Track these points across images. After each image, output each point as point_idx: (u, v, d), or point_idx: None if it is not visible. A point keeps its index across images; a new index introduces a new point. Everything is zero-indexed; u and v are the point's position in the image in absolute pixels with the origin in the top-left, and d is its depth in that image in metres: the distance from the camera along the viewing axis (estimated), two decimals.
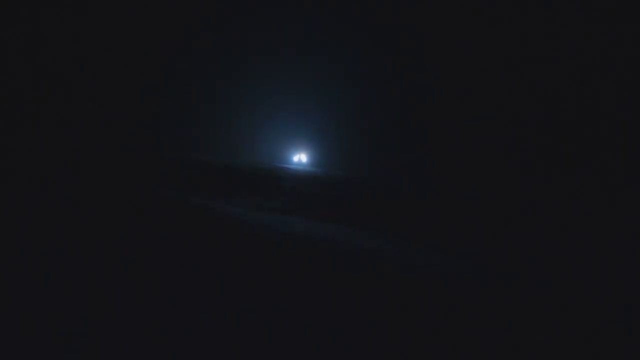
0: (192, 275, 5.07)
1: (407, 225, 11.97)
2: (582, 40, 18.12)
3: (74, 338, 3.46)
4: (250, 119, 21.80)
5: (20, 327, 3.49)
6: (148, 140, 18.18)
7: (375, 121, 22.37)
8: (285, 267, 6.07)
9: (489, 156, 19.59)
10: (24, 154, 11.45)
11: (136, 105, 18.51)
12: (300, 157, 23.42)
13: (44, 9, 15.14)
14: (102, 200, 8.29)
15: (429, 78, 21.17)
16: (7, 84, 14.09)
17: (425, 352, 4.16)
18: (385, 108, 22.28)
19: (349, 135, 22.55)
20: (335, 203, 13.87)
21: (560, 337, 5.05)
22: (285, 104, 22.26)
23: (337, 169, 20.91)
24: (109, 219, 6.90)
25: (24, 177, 9.01)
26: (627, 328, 5.70)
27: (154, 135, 19.02)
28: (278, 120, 22.38)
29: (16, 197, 7.34)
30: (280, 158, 22.63)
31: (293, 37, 21.52)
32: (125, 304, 4.09)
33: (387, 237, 10.24)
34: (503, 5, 19.39)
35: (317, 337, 4.08)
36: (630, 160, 16.57)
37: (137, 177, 12.59)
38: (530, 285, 7.52)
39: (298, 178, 16.91)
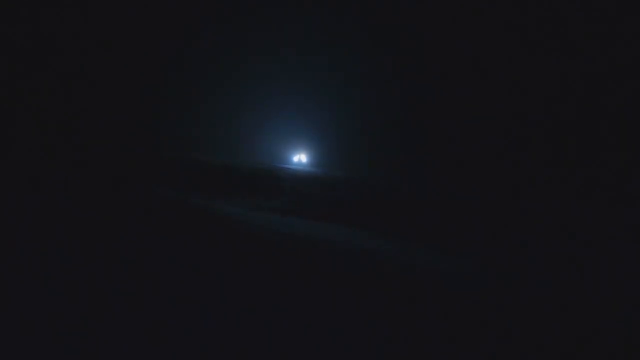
0: (192, 275, 5.06)
1: (407, 225, 11.97)
2: (582, 40, 18.12)
3: (74, 338, 3.46)
4: (250, 119, 21.79)
5: (20, 327, 3.49)
6: (148, 140, 18.17)
7: (375, 121, 22.36)
8: (285, 267, 6.07)
9: (489, 156, 19.59)
10: (24, 154, 11.45)
11: (136, 105, 18.51)
12: (300, 158, 23.40)
13: (44, 9, 15.13)
14: (102, 200, 8.29)
15: (429, 78, 21.17)
16: (7, 84, 14.09)
17: (425, 352, 4.16)
18: (385, 108, 22.27)
19: (349, 136, 22.54)
20: (335, 203, 13.87)
21: (560, 337, 5.05)
22: (285, 104, 22.25)
23: (337, 169, 20.91)
24: (109, 219, 6.90)
25: (24, 177, 9.01)
26: (627, 328, 5.70)
27: (154, 135, 19.01)
28: (278, 121, 22.38)
29: (16, 197, 7.34)
30: (280, 158, 22.62)
31: (293, 37, 21.51)
32: (125, 304, 4.09)
33: (387, 237, 10.24)
34: (503, 5, 19.39)
35: (317, 337, 4.08)
36: (630, 160, 16.57)
37: (137, 177, 12.59)
38: (530, 285, 7.52)
39: (298, 178, 16.91)
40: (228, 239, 7.14)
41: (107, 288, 4.36)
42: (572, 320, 5.78)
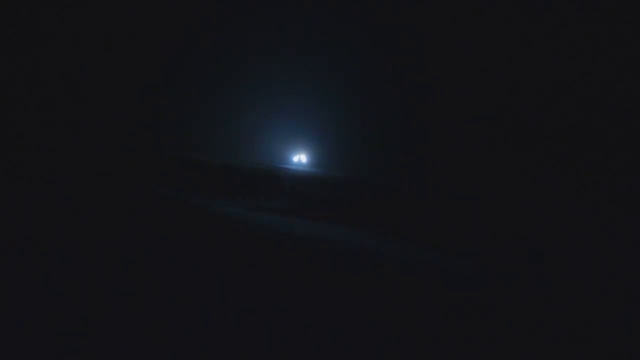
0: (192, 275, 5.06)
1: (407, 225, 11.97)
2: (582, 40, 18.12)
3: (74, 338, 3.45)
4: (250, 120, 21.79)
5: (20, 327, 3.49)
6: (148, 140, 18.17)
7: (375, 122, 22.37)
8: (285, 267, 6.07)
9: (489, 156, 19.59)
10: (24, 154, 11.45)
11: (136, 105, 18.51)
12: (300, 158, 23.40)
13: (44, 9, 15.13)
14: (102, 200, 8.29)
15: (429, 78, 21.17)
16: (7, 84, 14.09)
17: (425, 352, 4.16)
18: (385, 108, 22.27)
19: (349, 136, 22.54)
20: (335, 203, 13.87)
21: (560, 337, 5.05)
22: (285, 104, 22.25)
23: (336, 170, 20.91)
24: (109, 219, 6.89)
25: (24, 177, 9.01)
26: (627, 328, 5.70)
27: (154, 135, 19.01)
28: (278, 121, 22.38)
29: (16, 197, 7.34)
30: (280, 158, 22.62)
31: (293, 37, 21.51)
32: (125, 304, 4.09)
33: (387, 237, 10.24)
34: (503, 5, 19.39)
35: (317, 337, 4.08)
36: (630, 161, 16.57)
37: (137, 177, 12.59)
38: (530, 285, 7.52)
39: (298, 179, 16.91)
40: (228, 239, 7.14)
41: (107, 288, 4.36)
42: (572, 320, 5.78)
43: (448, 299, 5.90)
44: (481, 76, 20.21)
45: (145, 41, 18.65)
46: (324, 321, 4.42)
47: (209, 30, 20.45)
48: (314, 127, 22.86)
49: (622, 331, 5.54)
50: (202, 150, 19.38)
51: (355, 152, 22.26)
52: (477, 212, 14.38)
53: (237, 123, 21.58)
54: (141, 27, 18.25)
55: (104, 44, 17.02)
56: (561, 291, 7.31)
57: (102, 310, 3.90)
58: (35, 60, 14.85)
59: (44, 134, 13.45)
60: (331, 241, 8.42)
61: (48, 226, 5.99)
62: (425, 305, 5.48)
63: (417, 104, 21.62)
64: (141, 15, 18.19)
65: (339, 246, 8.06)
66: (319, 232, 9.30)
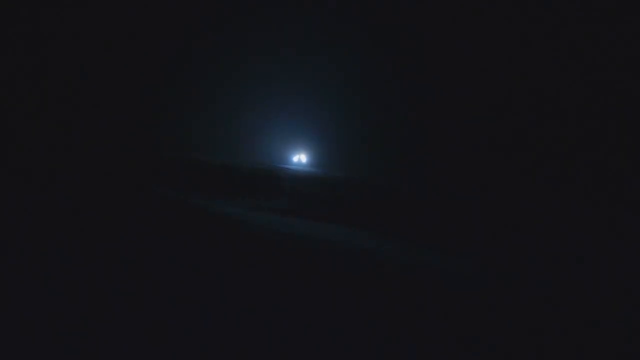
0: (192, 275, 5.06)
1: (407, 225, 11.98)
2: (582, 39, 18.12)
3: (74, 338, 3.45)
4: (250, 119, 21.79)
5: (20, 327, 3.49)
6: (148, 140, 18.18)
7: (375, 121, 22.37)
8: (285, 267, 6.07)
9: (489, 156, 19.59)
10: (24, 154, 11.46)
11: (136, 105, 18.51)
12: (300, 158, 23.41)
13: (44, 9, 15.13)
14: (102, 200, 8.29)
15: (429, 78, 21.17)
16: (7, 84, 14.09)
17: (425, 352, 4.16)
18: (385, 108, 22.27)
19: (349, 136, 22.54)
20: (335, 203, 13.88)
21: (560, 337, 5.05)
22: (285, 104, 22.25)
23: (336, 170, 20.91)
24: (109, 218, 6.90)
25: (24, 177, 9.01)
26: (627, 328, 5.70)
27: (154, 135, 19.01)
28: (278, 121, 22.38)
29: (16, 197, 7.34)
30: (280, 158, 22.63)
31: (293, 37, 21.52)
32: (125, 304, 4.09)
33: (387, 237, 10.25)
34: (503, 5, 19.39)
35: (317, 337, 4.08)
36: (630, 161, 16.57)
37: (137, 177, 12.59)
38: (530, 285, 7.52)
39: (298, 179, 16.92)
40: (228, 239, 7.14)
41: (107, 288, 4.36)
42: (572, 320, 5.78)
43: (448, 299, 5.90)
44: (481, 76, 20.21)
45: (145, 41, 18.65)
46: (324, 321, 4.42)
47: (209, 30, 20.45)
48: (314, 127, 22.86)
49: (622, 331, 5.54)
50: (202, 150, 19.38)
51: (355, 152, 22.26)
52: (477, 212, 14.38)
53: (237, 123, 21.58)
54: (141, 27, 18.25)
55: (104, 44, 17.02)
56: (561, 291, 7.32)
57: (102, 310, 3.90)
58: (35, 60, 14.85)
59: (44, 134, 13.46)
60: (331, 241, 8.42)
61: (48, 226, 5.99)
62: (425, 305, 5.48)
63: (417, 104, 21.62)
64: (141, 15, 18.19)
65: (339, 246, 8.06)
66: (319, 232, 9.30)
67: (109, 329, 3.63)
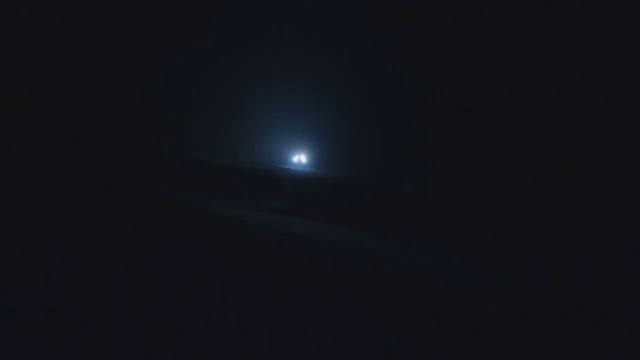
0: (192, 275, 5.06)
1: (407, 225, 11.98)
2: (582, 39, 18.12)
3: (74, 338, 3.45)
4: (250, 120, 21.79)
5: (20, 327, 3.49)
6: (148, 140, 18.18)
7: (375, 122, 22.37)
8: (285, 267, 6.07)
9: (489, 157, 19.59)
10: (24, 154, 11.45)
11: (136, 105, 18.51)
12: (300, 158, 23.40)
13: (44, 9, 15.14)
14: (102, 200, 8.29)
15: (429, 78, 21.17)
16: (8, 83, 14.09)
17: (425, 352, 4.16)
18: (385, 108, 22.27)
19: (349, 136, 22.54)
20: (335, 204, 13.88)
21: (561, 337, 5.05)
22: (285, 104, 22.25)
23: (336, 170, 20.91)
24: (109, 218, 6.90)
25: (24, 177, 9.01)
26: (627, 328, 5.70)
27: (154, 135, 19.01)
28: (278, 121, 22.38)
29: (16, 197, 7.34)
30: (280, 159, 22.62)
31: (293, 37, 21.52)
32: (125, 304, 4.09)
33: (387, 237, 10.24)
34: (503, 5, 19.38)
35: (317, 337, 4.08)
36: (630, 161, 16.57)
37: (137, 177, 12.59)
38: (530, 285, 7.52)
39: (298, 179, 16.92)
40: (228, 239, 7.14)
41: (107, 288, 4.36)
42: (572, 320, 5.78)
43: (448, 299, 5.90)
44: (481, 76, 20.21)
45: (145, 41, 18.65)
46: (324, 321, 4.42)
47: (209, 30, 20.45)
48: (313, 127, 22.85)
49: (622, 331, 5.54)
50: (202, 150, 19.38)
51: (355, 152, 22.26)
52: (477, 212, 14.38)
53: (237, 123, 21.58)
54: (141, 27, 18.25)
55: (104, 44, 17.02)
56: (561, 291, 7.31)
57: (102, 310, 3.90)
58: (35, 61, 14.85)
59: (44, 134, 13.45)
60: (331, 241, 8.42)
61: (48, 226, 5.99)
62: (425, 305, 5.48)
63: (417, 104, 21.62)
64: (141, 15, 18.20)
65: (339, 246, 8.06)
66: (319, 232, 9.30)
67: (109, 329, 3.63)
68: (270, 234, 8.14)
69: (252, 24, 21.08)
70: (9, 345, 3.27)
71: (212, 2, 20.26)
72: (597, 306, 6.61)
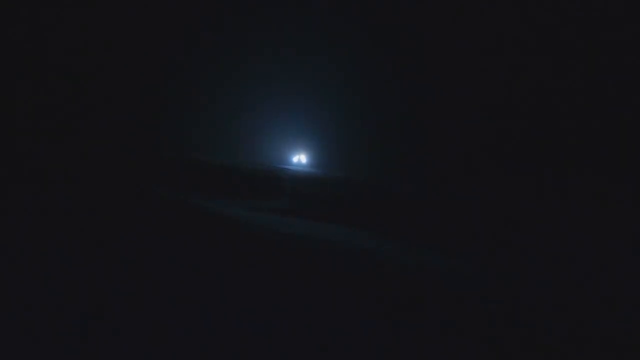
0: (192, 275, 5.06)
1: (407, 225, 11.98)
2: (582, 39, 18.12)
3: (74, 338, 3.45)
4: (250, 120, 21.80)
5: (20, 327, 3.49)
6: (148, 140, 18.18)
7: (375, 122, 22.37)
8: (285, 267, 6.07)
9: (489, 157, 19.59)
10: (24, 154, 11.46)
11: (136, 105, 18.52)
12: (300, 158, 23.41)
13: (44, 9, 15.14)
14: (102, 200, 8.29)
15: (429, 79, 21.18)
16: (8, 84, 14.10)
17: (426, 352, 4.16)
18: (385, 109, 22.28)
19: (349, 136, 22.55)
20: (335, 204, 13.88)
21: (561, 337, 5.05)
22: (285, 104, 22.26)
23: (336, 170, 20.92)
24: (109, 219, 6.89)
25: (24, 177, 9.01)
26: (627, 328, 5.70)
27: (154, 135, 19.02)
28: (278, 121, 22.39)
29: (16, 197, 7.34)
30: (280, 159, 22.63)
31: (293, 37, 21.53)
32: (125, 304, 4.09)
33: (387, 237, 10.25)
34: (503, 5, 19.39)
35: (317, 337, 4.08)
36: (630, 161, 16.57)
37: (137, 177, 12.59)
38: (530, 285, 7.52)
39: (298, 179, 16.92)
40: (228, 239, 7.14)
41: (107, 288, 4.36)
42: (572, 320, 5.78)
43: (448, 299, 5.90)
44: (481, 77, 20.22)
45: (145, 42, 18.66)
46: (324, 321, 4.42)
47: (209, 30, 20.46)
48: (313, 128, 22.87)
49: (622, 331, 5.54)
50: (202, 150, 19.39)
51: (355, 153, 22.27)
52: (477, 212, 14.39)
53: (237, 123, 21.59)
54: (141, 27, 18.26)
55: (104, 44, 17.03)
56: (561, 291, 7.32)
57: (102, 311, 3.90)
58: (35, 60, 14.85)
59: (44, 134, 13.46)
60: (331, 241, 8.42)
61: (48, 226, 5.99)
62: (425, 305, 5.48)
63: (417, 104, 21.63)
64: (141, 16, 18.20)
65: (339, 246, 8.06)
66: (319, 232, 9.30)
67: (109, 329, 3.63)
68: (270, 234, 8.14)
69: (252, 24, 21.10)
70: (9, 345, 3.27)
71: (213, 3, 20.28)
72: (597, 306, 6.61)
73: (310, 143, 23.19)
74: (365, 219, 12.13)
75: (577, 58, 18.27)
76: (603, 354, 4.81)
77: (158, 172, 13.89)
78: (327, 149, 22.87)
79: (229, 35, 20.87)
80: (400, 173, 20.38)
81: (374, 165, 21.37)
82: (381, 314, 4.88)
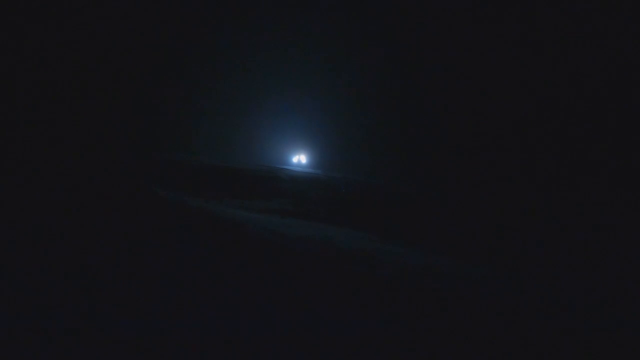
0: (192, 276, 5.06)
1: (407, 225, 11.98)
2: (580, 40, 18.14)
3: (73, 338, 3.45)
4: (250, 121, 21.81)
5: (20, 327, 3.49)
6: (148, 140, 18.19)
7: (375, 123, 22.39)
8: (285, 267, 6.07)
9: (489, 157, 19.60)
10: (23, 154, 11.45)
11: (136, 105, 18.52)
12: (300, 159, 23.42)
13: (43, 9, 15.14)
14: (101, 200, 8.29)
15: (430, 80, 21.19)
16: (7, 83, 14.09)
17: (426, 352, 4.16)
18: (385, 110, 22.29)
19: (349, 137, 22.57)
20: (335, 204, 13.88)
21: (561, 337, 5.05)
22: (285, 105, 22.27)
23: (336, 171, 20.93)
24: (109, 219, 6.89)
25: (22, 177, 9.01)
26: (627, 328, 5.70)
27: (154, 135, 19.03)
28: (278, 121, 22.40)
29: (15, 197, 7.34)
30: (280, 159, 22.64)
31: (293, 37, 21.55)
32: (124, 304, 4.08)
33: (387, 238, 10.25)
34: (503, 5, 19.41)
35: (317, 337, 4.08)
36: (630, 161, 16.58)
37: (137, 177, 12.58)
38: (530, 286, 7.51)
39: (298, 179, 16.92)
40: (228, 239, 7.14)
41: (107, 288, 4.35)
42: (572, 320, 5.78)
43: (448, 299, 5.90)
44: (482, 78, 20.23)
45: (145, 42, 18.67)
46: (323, 321, 4.42)
47: (209, 30, 20.49)
48: (313, 128, 22.89)
49: (622, 331, 5.54)
50: (202, 151, 19.40)
51: (354, 153, 22.29)
52: (477, 212, 14.39)
53: (237, 124, 21.61)
54: (141, 27, 18.26)
55: (103, 44, 17.03)
56: (561, 291, 7.31)
57: (101, 311, 3.90)
58: (34, 60, 14.85)
59: (44, 134, 13.45)
60: (331, 241, 8.42)
61: (47, 226, 5.99)
62: (424, 305, 5.48)
63: (417, 105, 21.65)
64: (141, 15, 18.21)
65: (339, 246, 8.06)
66: (319, 232, 9.30)
67: (109, 329, 3.62)
68: (270, 234, 8.14)
69: (253, 24, 21.12)
70: (9, 345, 3.27)
71: (212, 3, 20.31)
72: (597, 306, 6.61)
73: (310, 144, 23.21)
74: (366, 219, 12.13)
75: (576, 58, 18.28)
76: (603, 354, 4.80)
77: (158, 172, 13.90)
78: (327, 149, 22.88)
79: (229, 37, 20.90)
80: (400, 174, 20.39)
81: (374, 166, 21.39)
82: (381, 314, 4.88)
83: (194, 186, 13.18)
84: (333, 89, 22.18)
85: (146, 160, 15.08)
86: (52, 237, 5.55)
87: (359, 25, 21.45)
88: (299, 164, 22.91)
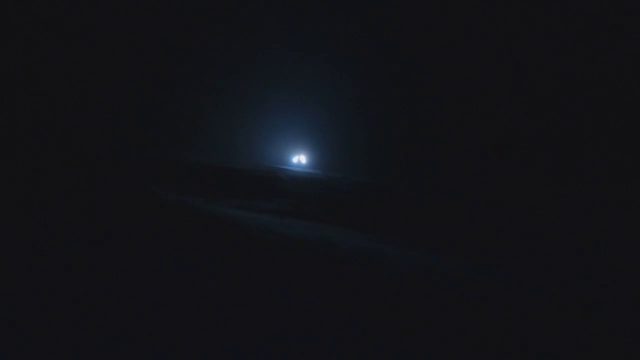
0: (191, 276, 5.06)
1: (407, 226, 11.98)
2: (580, 41, 18.14)
3: (72, 338, 3.45)
4: (250, 121, 21.81)
5: (20, 327, 3.49)
6: (148, 140, 18.19)
7: (375, 123, 22.39)
8: (285, 267, 6.07)
9: (489, 157, 19.60)
10: (22, 154, 11.44)
11: (136, 105, 18.53)
12: (300, 159, 23.43)
13: (43, 8, 15.14)
14: (101, 200, 8.28)
15: (430, 80, 21.20)
16: (6, 83, 14.08)
17: (425, 352, 4.16)
18: (385, 110, 22.29)
19: (348, 137, 22.57)
20: (335, 204, 13.88)
21: (561, 337, 5.04)
22: (285, 105, 22.28)
23: (336, 171, 20.93)
24: (108, 219, 6.89)
25: (23, 177, 9.00)
26: (627, 328, 5.70)
27: (154, 135, 19.03)
28: (277, 121, 22.41)
29: (14, 197, 7.34)
30: (280, 159, 22.65)
31: (293, 37, 21.55)
32: (124, 304, 4.08)
33: (387, 238, 10.24)
34: (503, 5, 19.42)
35: (317, 337, 4.08)
36: (630, 161, 16.58)
37: (137, 177, 12.58)
38: (530, 285, 7.52)
39: (297, 179, 16.92)
40: (227, 239, 7.13)
41: (107, 288, 4.35)
42: (572, 320, 5.78)
43: (448, 299, 5.90)
44: (482, 78, 20.23)
45: (145, 42, 18.67)
46: (323, 321, 4.42)
47: (209, 30, 20.49)
48: (313, 128, 22.89)
49: (622, 331, 5.53)
50: (202, 151, 19.40)
51: (354, 153, 22.29)
52: (478, 212, 14.39)
53: (237, 124, 21.62)
54: (141, 27, 18.27)
55: (103, 44, 17.03)
56: (561, 291, 7.32)
57: (101, 311, 3.89)
58: (34, 60, 14.84)
59: (43, 134, 13.44)
60: (331, 241, 8.42)
61: (47, 226, 5.99)
62: (425, 305, 5.48)
63: (417, 105, 21.65)
64: (141, 15, 18.22)
65: (338, 247, 8.06)
66: (319, 232, 9.30)
67: (108, 330, 3.62)
68: (270, 234, 8.13)
69: (253, 25, 21.12)
70: (9, 345, 3.27)
71: (212, 3, 20.31)
72: (597, 306, 6.61)
73: (310, 144, 23.21)
74: (365, 219, 12.13)
75: (576, 58, 18.29)
76: (603, 353, 4.80)
77: (158, 172, 13.90)
78: (327, 149, 22.88)
79: (229, 36, 20.90)
80: (400, 174, 20.39)
81: (373, 166, 21.39)
82: (381, 314, 4.88)
83: (194, 186, 13.18)
84: (333, 89, 22.19)
85: (146, 160, 15.07)
86: (52, 237, 5.54)
87: (359, 25, 21.46)
88: (299, 164, 22.91)
